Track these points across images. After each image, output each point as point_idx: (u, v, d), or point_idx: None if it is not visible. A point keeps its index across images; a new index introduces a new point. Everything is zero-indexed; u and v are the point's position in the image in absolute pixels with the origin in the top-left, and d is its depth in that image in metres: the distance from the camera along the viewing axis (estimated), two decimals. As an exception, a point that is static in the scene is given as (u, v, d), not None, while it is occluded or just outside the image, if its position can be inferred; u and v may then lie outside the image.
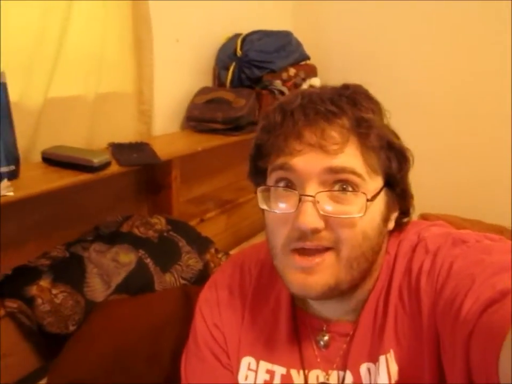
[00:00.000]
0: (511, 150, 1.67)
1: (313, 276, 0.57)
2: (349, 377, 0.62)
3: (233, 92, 1.59)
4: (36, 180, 1.03)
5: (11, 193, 0.93)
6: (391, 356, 0.58)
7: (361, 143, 0.57)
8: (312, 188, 0.56)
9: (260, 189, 0.60)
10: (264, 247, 0.76)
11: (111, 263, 1.08)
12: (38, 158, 1.13)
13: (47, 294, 0.97)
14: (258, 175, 0.64)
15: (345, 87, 0.62)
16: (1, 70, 0.94)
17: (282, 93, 1.64)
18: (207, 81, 1.71)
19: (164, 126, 1.55)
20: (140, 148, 1.29)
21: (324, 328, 0.65)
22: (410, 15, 1.85)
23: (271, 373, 0.66)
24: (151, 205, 1.47)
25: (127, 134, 1.38)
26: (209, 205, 1.62)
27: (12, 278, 1.01)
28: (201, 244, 1.26)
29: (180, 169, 1.40)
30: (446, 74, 1.83)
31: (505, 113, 1.68)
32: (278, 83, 1.66)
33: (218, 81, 1.70)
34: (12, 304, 0.97)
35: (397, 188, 0.62)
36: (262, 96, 1.62)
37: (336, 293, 0.58)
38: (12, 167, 0.98)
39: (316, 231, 0.55)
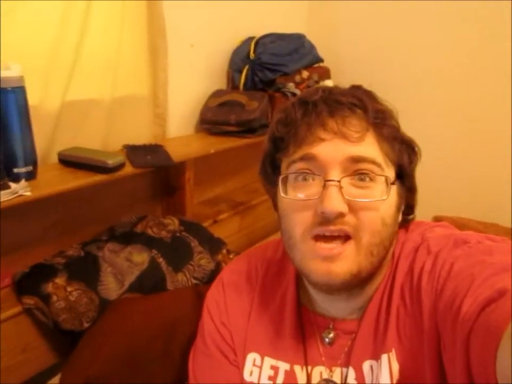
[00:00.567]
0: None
1: (337, 262, 0.57)
2: (351, 374, 0.62)
3: (246, 95, 1.60)
4: (52, 181, 1.05)
5: (28, 193, 0.95)
6: (393, 355, 0.59)
7: (378, 133, 0.60)
8: (336, 174, 0.58)
9: (280, 178, 0.62)
10: (270, 246, 0.77)
11: (124, 262, 1.10)
12: (55, 159, 1.16)
13: (62, 292, 1.00)
14: (273, 171, 0.66)
15: (358, 86, 0.65)
16: (21, 75, 0.96)
17: (295, 95, 1.64)
18: (221, 84, 1.72)
19: (178, 128, 1.57)
20: (154, 149, 1.31)
21: (331, 326, 0.66)
22: (424, 18, 1.83)
23: (275, 368, 0.68)
24: (165, 206, 1.49)
25: (142, 136, 1.40)
26: (222, 207, 1.63)
27: (29, 275, 1.04)
28: (213, 244, 1.27)
29: (193, 171, 1.41)
30: (462, 79, 1.80)
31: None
32: (291, 86, 1.66)
33: (232, 84, 1.71)
34: (29, 300, 1.00)
35: (406, 180, 0.64)
36: (275, 99, 1.63)
37: (355, 282, 0.59)
38: (30, 168, 1.00)
39: (340, 216, 0.57)
